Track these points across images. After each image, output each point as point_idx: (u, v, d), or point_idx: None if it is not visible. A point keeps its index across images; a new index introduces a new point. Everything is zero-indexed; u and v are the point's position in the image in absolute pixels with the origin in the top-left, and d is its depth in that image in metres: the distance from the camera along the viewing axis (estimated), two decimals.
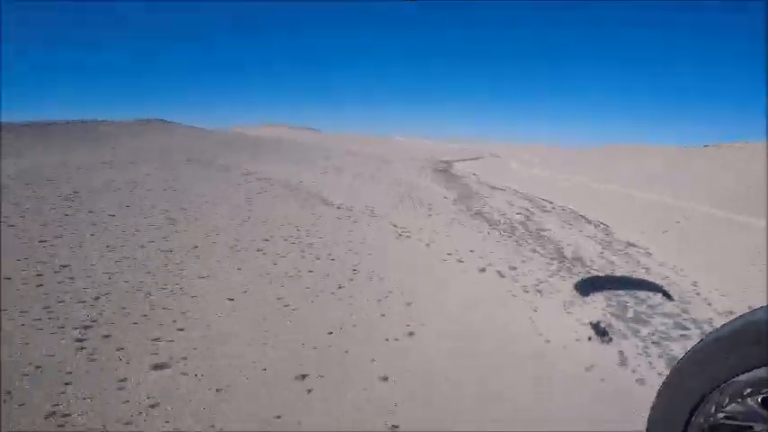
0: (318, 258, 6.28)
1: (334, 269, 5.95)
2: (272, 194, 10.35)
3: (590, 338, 4.31)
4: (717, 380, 0.66)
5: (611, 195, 14.75)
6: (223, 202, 8.90)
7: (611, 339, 4.30)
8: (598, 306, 5.15)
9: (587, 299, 5.43)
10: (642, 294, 5.54)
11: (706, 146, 24.00)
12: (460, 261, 6.73)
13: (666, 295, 5.50)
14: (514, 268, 6.60)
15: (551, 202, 13.03)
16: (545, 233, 8.95)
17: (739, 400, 0.63)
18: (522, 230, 9.00)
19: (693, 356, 0.73)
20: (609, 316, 4.87)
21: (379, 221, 8.51)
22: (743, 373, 0.63)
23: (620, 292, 5.62)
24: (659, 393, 0.78)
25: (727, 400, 0.64)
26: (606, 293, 5.58)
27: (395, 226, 8.21)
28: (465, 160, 36.79)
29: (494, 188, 16.26)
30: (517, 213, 10.51)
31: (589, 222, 10.30)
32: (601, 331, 4.45)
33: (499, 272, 6.40)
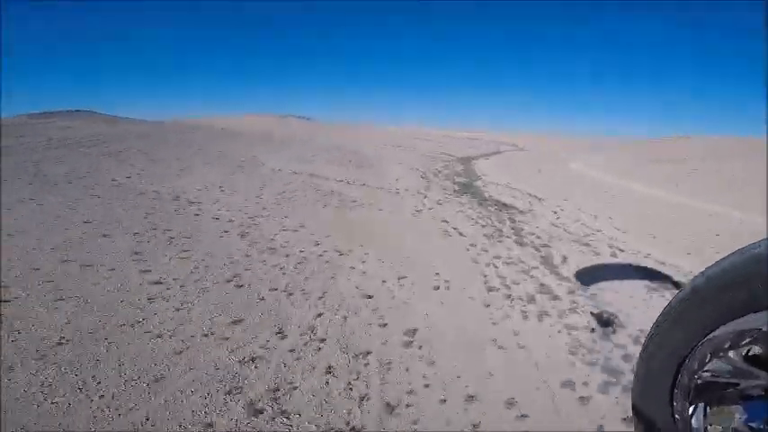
0: None
1: None
2: None
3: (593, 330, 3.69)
4: (696, 335, 0.61)
5: None
6: None
7: (614, 331, 3.74)
8: None
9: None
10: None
11: None
12: None
13: (677, 285, 4.77)
14: None
15: None
16: None
17: (721, 355, 0.57)
18: None
19: (671, 311, 0.67)
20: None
21: None
22: (720, 326, 0.58)
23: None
24: (642, 353, 0.71)
25: (709, 356, 0.59)
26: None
27: None
28: (486, 157, 25.65)
29: None
30: None
31: None
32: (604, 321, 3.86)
33: None
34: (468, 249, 5.92)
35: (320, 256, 5.17)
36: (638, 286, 4.80)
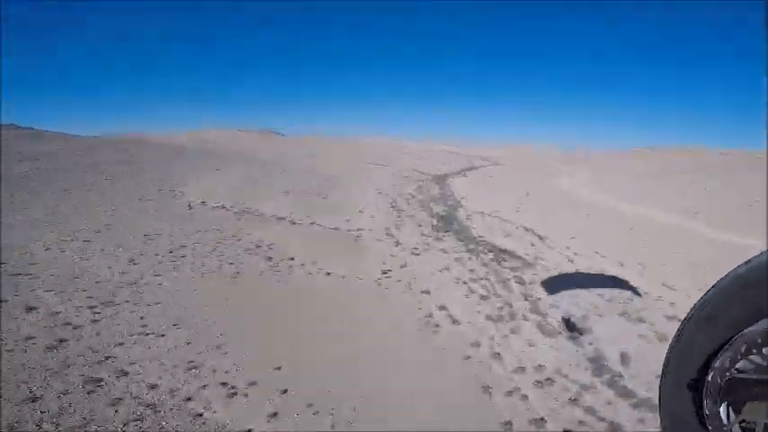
0: None
1: None
2: None
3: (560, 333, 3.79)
4: (726, 333, 0.59)
5: None
6: None
7: (581, 334, 3.78)
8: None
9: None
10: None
11: None
12: None
13: (636, 293, 5.22)
14: None
15: None
16: None
17: (754, 351, 0.54)
18: None
19: (698, 312, 0.62)
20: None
21: None
22: (755, 323, 0.55)
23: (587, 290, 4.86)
24: (670, 350, 0.64)
25: (742, 352, 0.56)
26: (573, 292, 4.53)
27: None
28: (462, 174, 23.80)
29: None
30: None
31: None
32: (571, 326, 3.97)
33: None
34: (468, 357, 3.47)
35: (185, 401, 2.55)
36: (598, 292, 4.81)
